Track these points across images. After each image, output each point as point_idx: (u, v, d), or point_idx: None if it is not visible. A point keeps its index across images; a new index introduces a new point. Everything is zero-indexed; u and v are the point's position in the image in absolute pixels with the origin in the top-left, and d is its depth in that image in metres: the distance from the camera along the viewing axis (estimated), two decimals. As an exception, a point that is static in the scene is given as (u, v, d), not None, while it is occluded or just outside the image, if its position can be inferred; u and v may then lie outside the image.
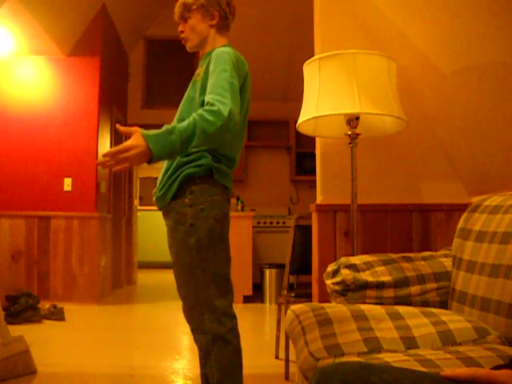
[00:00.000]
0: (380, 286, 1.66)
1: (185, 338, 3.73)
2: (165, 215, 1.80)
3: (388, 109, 2.04)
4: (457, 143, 2.58)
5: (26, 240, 5.01)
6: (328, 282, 1.77)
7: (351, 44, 2.57)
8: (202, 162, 1.72)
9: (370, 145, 2.61)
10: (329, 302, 1.78)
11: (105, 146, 5.59)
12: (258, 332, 4.21)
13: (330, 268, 1.78)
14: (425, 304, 1.66)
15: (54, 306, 4.24)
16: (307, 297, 2.75)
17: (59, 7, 4.57)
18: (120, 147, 1.49)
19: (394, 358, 1.17)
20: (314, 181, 2.79)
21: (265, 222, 6.49)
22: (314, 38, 2.82)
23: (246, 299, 5.40)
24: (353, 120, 2.13)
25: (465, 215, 1.73)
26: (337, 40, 2.66)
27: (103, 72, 5.38)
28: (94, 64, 5.24)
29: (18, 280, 4.93)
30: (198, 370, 1.85)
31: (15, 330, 2.85)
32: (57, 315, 4.20)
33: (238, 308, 4.99)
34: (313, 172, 2.99)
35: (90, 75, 5.22)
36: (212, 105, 1.58)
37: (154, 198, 1.82)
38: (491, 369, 0.82)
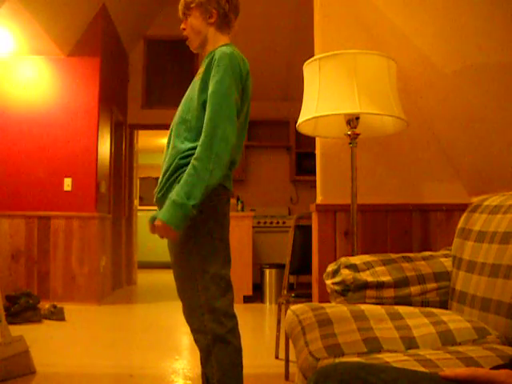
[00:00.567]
0: (380, 285, 1.66)
1: (185, 338, 3.73)
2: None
3: (388, 109, 2.04)
4: (457, 143, 2.58)
5: (26, 240, 5.01)
6: (328, 282, 1.77)
7: (351, 44, 2.57)
8: None
9: (369, 145, 2.61)
10: (329, 301, 1.78)
11: (105, 146, 5.59)
12: (258, 332, 4.21)
13: (330, 268, 1.78)
14: (425, 304, 1.66)
15: (54, 306, 4.24)
16: (307, 297, 2.75)
17: (59, 7, 4.57)
18: None
19: (393, 358, 1.17)
20: (314, 181, 2.79)
21: (265, 222, 6.49)
22: (313, 38, 2.82)
23: (246, 299, 5.40)
24: (353, 120, 2.13)
25: (465, 215, 1.73)
26: (337, 40, 2.66)
27: (103, 72, 5.38)
28: (94, 64, 5.24)
29: (17, 280, 4.93)
30: (198, 370, 1.86)
31: (15, 330, 2.85)
32: (57, 315, 4.20)
33: (238, 308, 4.98)
34: (313, 172, 2.99)
35: (90, 75, 5.22)
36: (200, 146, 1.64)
37: (155, 199, 1.82)
38: (491, 369, 0.82)
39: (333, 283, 1.73)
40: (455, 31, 2.09)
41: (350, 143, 2.18)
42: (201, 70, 1.81)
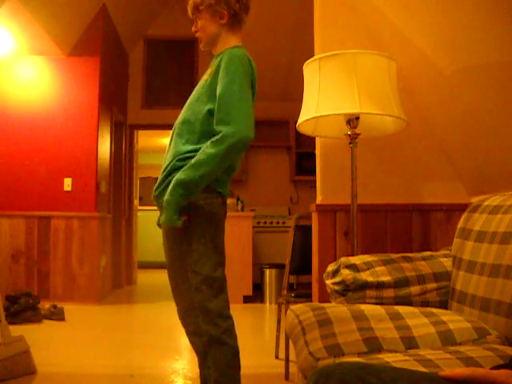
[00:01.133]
0: (380, 286, 1.66)
1: (185, 338, 3.69)
2: (161, 215, 1.80)
3: (388, 109, 2.04)
4: (457, 143, 2.58)
5: (26, 240, 5.01)
6: (328, 281, 1.77)
7: (351, 44, 2.57)
8: None
9: (369, 145, 2.61)
10: (329, 301, 1.78)
11: (105, 146, 5.59)
12: (257, 332, 4.21)
13: (330, 268, 1.78)
14: (425, 304, 1.66)
15: (54, 306, 4.24)
16: (307, 297, 2.75)
17: (59, 7, 4.57)
18: None
19: (393, 358, 1.17)
20: (314, 181, 2.79)
21: (265, 222, 6.48)
22: (314, 38, 2.81)
23: (246, 299, 5.40)
24: (353, 120, 2.13)
25: (465, 215, 1.73)
26: (337, 40, 2.66)
27: (103, 72, 5.38)
28: (94, 64, 5.24)
29: (18, 280, 4.93)
30: (198, 370, 1.86)
31: (15, 330, 2.85)
32: (57, 315, 4.20)
33: (238, 308, 4.99)
34: (313, 172, 2.99)
35: (90, 75, 5.22)
36: (218, 133, 1.64)
37: (152, 197, 1.83)
38: (491, 369, 0.82)
39: (333, 283, 1.73)
40: (455, 31, 2.09)
41: (350, 143, 2.17)
42: (209, 71, 1.80)
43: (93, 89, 5.22)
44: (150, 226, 9.37)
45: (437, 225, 2.64)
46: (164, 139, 9.20)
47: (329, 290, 1.77)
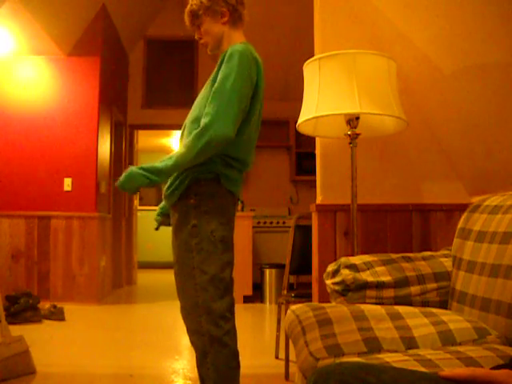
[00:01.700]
0: (380, 286, 1.66)
1: (185, 338, 3.71)
2: (171, 214, 1.81)
3: (388, 109, 2.04)
4: (457, 143, 2.58)
5: (26, 240, 5.01)
6: (328, 282, 1.77)
7: (351, 44, 2.57)
8: (211, 167, 1.72)
9: (369, 145, 2.61)
10: (329, 301, 1.78)
11: (105, 146, 5.59)
12: (257, 332, 4.21)
13: (330, 268, 1.78)
14: (425, 304, 1.66)
15: (54, 306, 4.24)
16: (307, 297, 2.75)
17: (59, 7, 4.57)
18: None
19: (393, 358, 1.17)
20: (314, 181, 2.79)
21: (265, 222, 6.48)
22: (314, 38, 2.82)
23: (246, 299, 5.40)
24: (353, 120, 2.13)
25: (465, 215, 1.73)
26: (337, 40, 2.66)
27: (103, 72, 5.38)
28: (94, 64, 5.24)
29: (18, 280, 4.93)
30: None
31: (15, 330, 2.85)
32: (57, 315, 4.20)
33: (238, 308, 4.97)
34: (313, 172, 2.99)
35: (90, 75, 5.22)
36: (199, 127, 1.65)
37: (163, 196, 1.83)
38: (491, 369, 0.82)
39: (333, 283, 1.73)
40: (455, 31, 2.09)
41: (350, 143, 2.17)
42: (215, 69, 1.80)
43: (93, 89, 5.22)
44: (150, 226, 9.39)
45: (437, 225, 2.64)
46: (164, 139, 9.20)
47: (329, 290, 1.77)
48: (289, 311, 1.57)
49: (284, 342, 2.83)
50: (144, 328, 4.25)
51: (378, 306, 1.52)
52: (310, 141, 3.28)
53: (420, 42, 2.38)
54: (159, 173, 1.64)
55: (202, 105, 1.77)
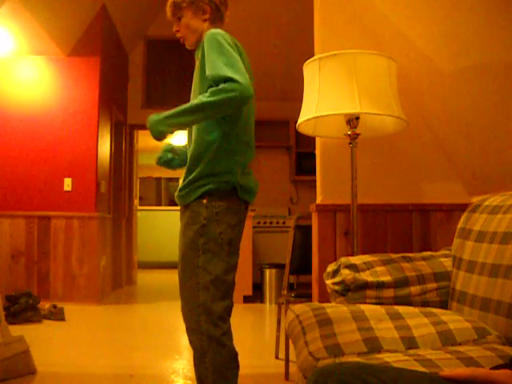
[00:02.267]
0: (380, 286, 1.66)
1: (185, 338, 3.70)
2: (181, 213, 1.82)
3: (388, 109, 2.04)
4: (457, 143, 2.58)
5: (26, 240, 5.01)
6: (328, 281, 1.77)
7: (351, 44, 2.57)
8: (228, 178, 1.74)
9: (370, 145, 2.61)
10: (329, 301, 1.78)
11: (105, 146, 5.59)
12: (257, 332, 4.21)
13: (330, 268, 1.78)
14: (425, 304, 1.66)
15: (54, 306, 4.24)
16: (307, 297, 2.75)
17: (59, 7, 4.56)
18: None
19: (393, 358, 1.17)
20: (314, 181, 2.79)
21: (265, 222, 6.48)
22: (314, 38, 2.82)
23: (246, 299, 5.40)
24: (353, 120, 2.13)
25: (465, 215, 1.73)
26: (337, 40, 2.66)
27: (103, 72, 5.38)
28: (94, 64, 5.24)
29: (18, 280, 4.93)
30: (197, 370, 1.86)
31: (15, 330, 2.85)
32: (57, 315, 4.20)
33: (238, 308, 4.99)
34: (313, 172, 2.99)
35: (90, 75, 5.22)
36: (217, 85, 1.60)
37: (175, 195, 1.83)
38: (491, 369, 0.82)
39: (333, 283, 1.73)
40: (456, 31, 2.09)
41: (350, 143, 2.17)
42: (197, 63, 1.81)
43: (93, 89, 5.22)
44: (150, 226, 9.39)
45: (437, 225, 2.64)
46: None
47: (329, 290, 1.77)
48: (289, 311, 1.57)
49: (284, 342, 2.83)
50: (144, 328, 4.25)
51: (378, 306, 1.52)
52: (310, 141, 3.28)
53: (420, 42, 2.38)
54: (178, 112, 1.64)
55: (196, 93, 1.77)
